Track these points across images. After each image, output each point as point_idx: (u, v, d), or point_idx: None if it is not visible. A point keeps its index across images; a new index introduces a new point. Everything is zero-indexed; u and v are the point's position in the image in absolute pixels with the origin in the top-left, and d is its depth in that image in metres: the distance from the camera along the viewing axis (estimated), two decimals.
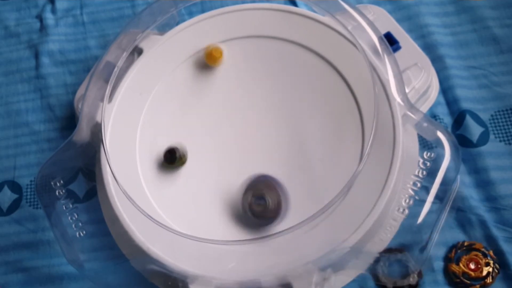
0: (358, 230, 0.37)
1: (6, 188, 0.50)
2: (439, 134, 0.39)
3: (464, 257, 0.41)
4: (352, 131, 0.41)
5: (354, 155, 0.40)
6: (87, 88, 0.44)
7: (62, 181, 0.43)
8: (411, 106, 0.40)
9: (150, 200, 0.41)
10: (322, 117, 0.43)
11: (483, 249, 0.41)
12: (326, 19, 0.44)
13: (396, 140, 0.39)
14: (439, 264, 0.41)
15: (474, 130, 0.45)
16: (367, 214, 0.37)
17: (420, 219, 0.37)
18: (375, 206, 0.37)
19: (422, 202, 0.37)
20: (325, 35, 0.44)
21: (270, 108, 0.44)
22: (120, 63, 0.43)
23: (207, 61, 0.45)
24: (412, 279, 0.40)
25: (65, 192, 0.42)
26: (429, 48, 0.49)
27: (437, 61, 0.48)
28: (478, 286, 0.40)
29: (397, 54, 0.43)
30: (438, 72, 0.48)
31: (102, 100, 0.43)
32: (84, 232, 0.41)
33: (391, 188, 0.37)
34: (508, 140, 0.45)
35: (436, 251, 0.42)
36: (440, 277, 0.41)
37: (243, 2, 0.48)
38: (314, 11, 0.46)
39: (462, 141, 0.45)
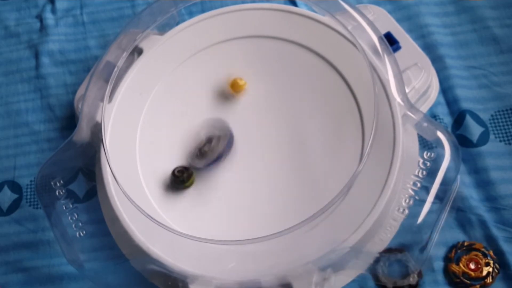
0: (358, 230, 0.37)
1: (6, 188, 0.50)
2: (439, 134, 0.39)
3: (464, 257, 0.41)
4: (352, 131, 0.41)
5: (354, 155, 0.40)
6: (87, 88, 0.44)
7: (62, 181, 0.43)
8: (411, 106, 0.40)
9: (150, 200, 0.41)
10: (322, 117, 0.42)
11: (483, 249, 0.41)
12: (326, 19, 0.44)
13: (396, 140, 0.39)
14: (439, 264, 0.41)
15: (474, 130, 0.45)
16: (367, 214, 0.37)
17: (420, 219, 0.37)
18: (375, 206, 0.37)
19: (422, 202, 0.37)
20: (325, 35, 0.44)
21: (270, 108, 0.44)
22: (120, 63, 0.43)
23: (231, 90, 0.44)
24: (412, 279, 0.40)
25: (65, 192, 0.42)
26: (429, 48, 0.49)
27: (437, 61, 0.48)
28: (478, 286, 0.40)
29: (397, 54, 0.43)
30: (438, 72, 0.48)
31: (102, 100, 0.43)
32: (84, 232, 0.41)
33: (391, 188, 0.37)
34: (508, 140, 0.45)
35: (436, 251, 0.42)
36: (440, 277, 0.41)
37: (243, 2, 0.48)
38: (314, 11, 0.46)
39: (462, 141, 0.45)
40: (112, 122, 0.44)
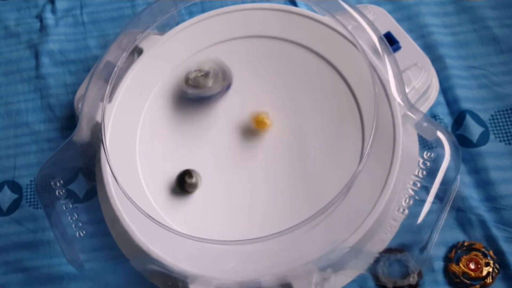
0: (358, 230, 0.37)
1: (6, 188, 0.50)
2: (439, 134, 0.39)
3: (464, 257, 0.41)
4: (352, 131, 0.41)
5: (354, 155, 0.40)
6: (87, 88, 0.44)
7: (62, 181, 0.43)
8: (411, 106, 0.40)
9: (150, 200, 0.41)
10: (322, 117, 0.42)
11: (483, 249, 0.41)
12: (326, 19, 0.44)
13: (396, 140, 0.39)
14: (439, 264, 0.41)
15: (474, 130, 0.45)
16: (367, 214, 0.37)
17: (420, 219, 0.37)
18: (375, 206, 0.37)
19: (422, 202, 0.37)
20: (325, 35, 0.44)
21: (269, 108, 0.44)
22: (120, 63, 0.43)
23: (255, 126, 0.43)
24: (412, 279, 0.40)
25: (65, 192, 0.42)
26: (429, 48, 0.49)
27: (437, 61, 0.48)
28: (478, 286, 0.40)
29: (397, 54, 0.43)
30: (438, 72, 0.48)
31: (102, 100, 0.43)
32: (84, 232, 0.41)
33: (391, 188, 0.37)
34: (508, 140, 0.45)
35: (436, 251, 0.42)
36: (440, 277, 0.41)
37: (243, 2, 0.48)
38: (314, 11, 0.46)
39: (462, 141, 0.45)
40: (112, 122, 0.44)
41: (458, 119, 0.46)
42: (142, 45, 0.47)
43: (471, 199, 0.43)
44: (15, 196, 0.50)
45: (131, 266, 0.40)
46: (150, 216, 0.37)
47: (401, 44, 0.45)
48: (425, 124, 0.39)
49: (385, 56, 0.41)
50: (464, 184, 0.43)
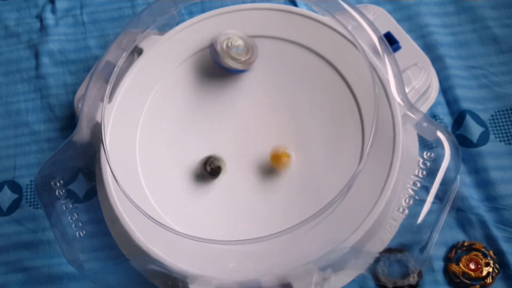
0: (358, 230, 0.37)
1: (6, 188, 0.50)
2: (439, 134, 0.39)
3: (464, 257, 0.41)
4: (352, 131, 0.41)
5: (354, 155, 0.40)
6: (87, 88, 0.44)
7: (62, 181, 0.43)
8: (411, 106, 0.40)
9: (150, 200, 0.41)
10: (322, 117, 0.42)
11: (483, 249, 0.41)
12: (326, 19, 0.44)
13: (396, 140, 0.39)
14: (439, 264, 0.41)
15: (474, 130, 0.45)
16: (367, 214, 0.37)
17: (420, 219, 0.37)
18: (375, 206, 0.37)
19: (422, 202, 0.37)
20: (325, 35, 0.44)
21: (270, 108, 0.44)
22: (120, 63, 0.43)
23: (272, 163, 0.41)
24: (412, 279, 0.40)
25: (65, 192, 0.42)
26: (429, 48, 0.49)
27: (437, 61, 0.48)
28: (478, 286, 0.40)
29: (397, 54, 0.43)
30: (438, 72, 0.48)
31: (102, 100, 0.43)
32: (84, 232, 0.41)
33: (391, 188, 0.37)
34: (508, 140, 0.45)
35: (436, 251, 0.42)
36: (440, 277, 0.41)
37: (243, 2, 0.48)
38: (314, 11, 0.46)
39: (462, 141, 0.45)
40: (112, 122, 0.44)
41: (458, 119, 0.46)
42: (142, 45, 0.47)
43: (471, 199, 0.43)
44: (15, 196, 0.50)
45: (131, 266, 0.40)
46: (150, 216, 0.37)
47: (401, 44, 0.45)
48: (425, 124, 0.39)
49: (385, 56, 0.41)
50: (464, 184, 0.43)
